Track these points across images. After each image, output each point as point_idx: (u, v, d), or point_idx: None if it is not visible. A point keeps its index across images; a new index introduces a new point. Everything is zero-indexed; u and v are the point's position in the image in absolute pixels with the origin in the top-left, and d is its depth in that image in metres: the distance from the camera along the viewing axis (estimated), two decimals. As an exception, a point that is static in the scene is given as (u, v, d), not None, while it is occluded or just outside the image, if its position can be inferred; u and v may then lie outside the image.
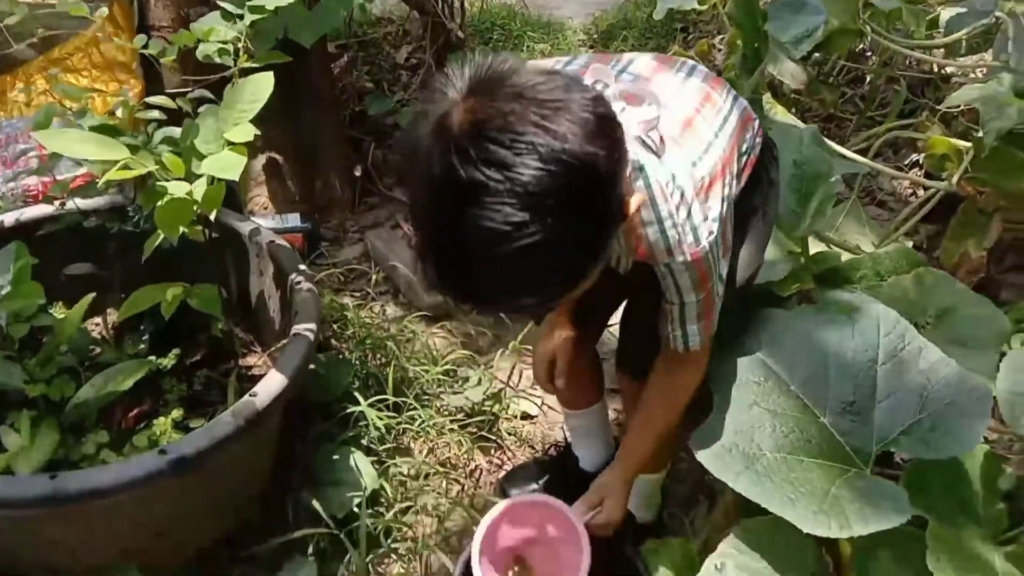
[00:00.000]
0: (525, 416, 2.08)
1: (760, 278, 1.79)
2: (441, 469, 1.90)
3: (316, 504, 1.65)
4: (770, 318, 1.45)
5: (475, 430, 1.98)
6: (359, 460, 1.75)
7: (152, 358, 1.77)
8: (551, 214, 0.90)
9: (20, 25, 1.76)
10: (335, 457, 1.77)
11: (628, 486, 1.43)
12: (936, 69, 3.00)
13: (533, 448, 1.99)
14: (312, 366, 1.88)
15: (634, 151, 1.08)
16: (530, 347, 2.20)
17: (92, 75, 2.34)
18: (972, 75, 2.79)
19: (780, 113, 2.32)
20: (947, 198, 2.33)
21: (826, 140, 2.00)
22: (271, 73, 1.46)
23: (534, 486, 1.83)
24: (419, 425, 1.96)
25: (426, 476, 1.88)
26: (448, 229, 0.92)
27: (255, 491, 1.71)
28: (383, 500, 1.80)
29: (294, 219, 2.43)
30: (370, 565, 1.68)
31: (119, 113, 1.51)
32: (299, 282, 1.73)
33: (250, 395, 1.47)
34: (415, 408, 1.97)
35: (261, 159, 2.52)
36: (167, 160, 1.33)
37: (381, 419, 1.90)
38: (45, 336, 1.67)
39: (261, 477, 1.73)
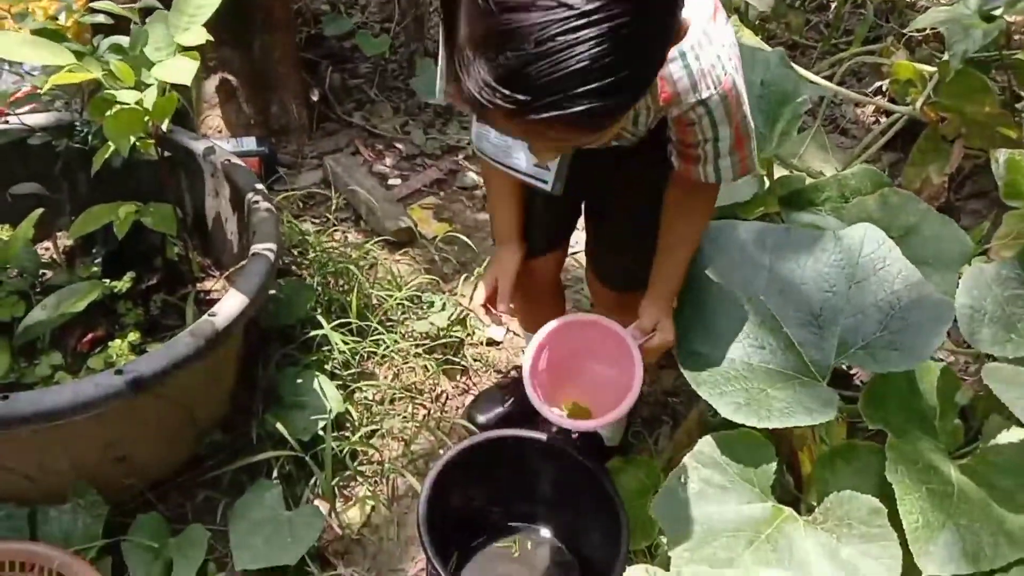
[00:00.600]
0: (491, 342, 2.07)
1: (725, 200, 1.79)
2: (407, 394, 1.89)
3: (280, 427, 1.64)
4: (736, 233, 1.45)
5: (440, 355, 1.97)
6: (323, 384, 1.73)
7: (106, 281, 1.71)
8: None
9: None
10: (299, 381, 1.74)
11: (671, 309, 1.38)
12: (902, -5, 2.99)
13: (499, 373, 1.99)
14: (272, 291, 1.85)
15: None
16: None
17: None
18: (937, 1, 2.77)
19: (747, 36, 2.28)
20: (909, 126, 2.34)
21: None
22: (222, -25, 1.38)
23: (499, 410, 1.83)
24: (384, 350, 1.94)
25: (391, 401, 1.87)
26: (516, 7, 0.78)
27: (217, 414, 1.68)
28: (348, 424, 1.79)
29: (249, 143, 2.35)
30: (336, 488, 1.68)
31: (62, 19, 1.43)
32: (256, 202, 1.68)
33: (209, 315, 1.43)
34: (380, 333, 1.95)
35: (214, 80, 2.43)
36: (116, 68, 1.26)
37: (346, 343, 1.88)
38: (-9, 258, 1.61)
39: (223, 400, 1.70)
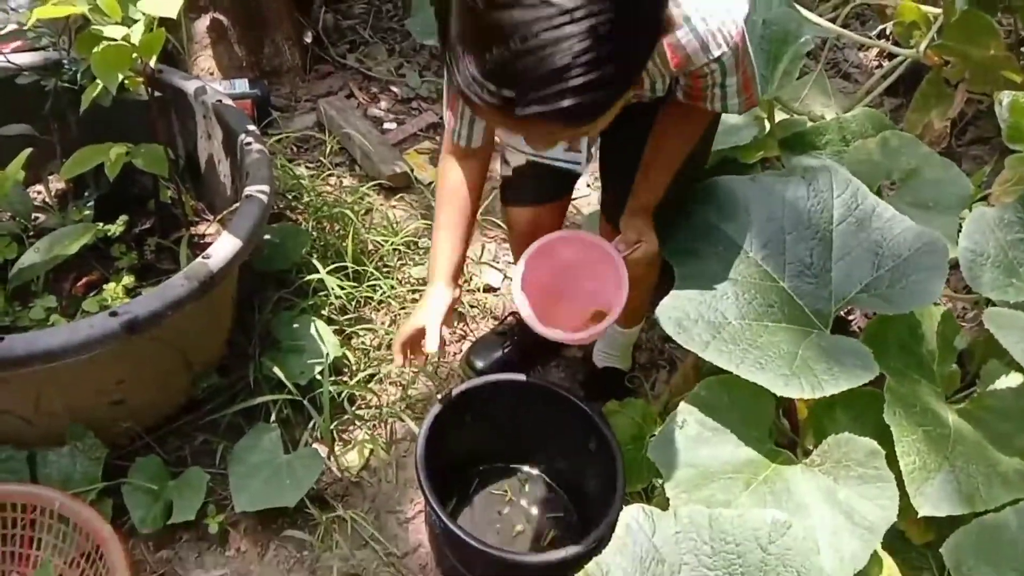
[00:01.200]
0: (487, 288, 2.06)
1: (725, 144, 1.77)
2: (403, 338, 1.88)
3: (277, 371, 1.64)
4: (725, 185, 1.42)
5: (436, 300, 1.96)
6: (320, 328, 1.73)
7: (99, 224, 1.69)
8: None
9: None
10: (295, 325, 1.74)
11: (651, 221, 1.35)
12: (908, -65, 2.91)
13: (496, 319, 1.98)
14: (267, 235, 1.83)
15: None
16: (492, 219, 2.17)
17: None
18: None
19: (750, -24, 2.24)
20: (912, 71, 2.30)
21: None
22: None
23: (497, 355, 1.83)
24: (381, 295, 1.93)
25: (389, 346, 1.86)
26: (501, 6, 0.80)
27: (214, 358, 1.68)
28: (346, 369, 1.79)
29: (242, 84, 2.31)
30: (335, 431, 1.68)
31: (46, -48, 1.38)
32: (249, 143, 1.65)
33: (203, 257, 1.42)
34: (376, 279, 1.94)
35: (205, 20, 2.37)
36: (102, 2, 1.23)
37: (342, 288, 1.87)
38: (-19, 200, 1.58)
39: (219, 344, 1.70)
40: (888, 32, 2.62)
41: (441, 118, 2.54)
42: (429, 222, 2.12)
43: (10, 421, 1.44)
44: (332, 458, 1.65)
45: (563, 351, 1.90)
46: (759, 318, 1.29)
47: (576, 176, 1.59)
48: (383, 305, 1.94)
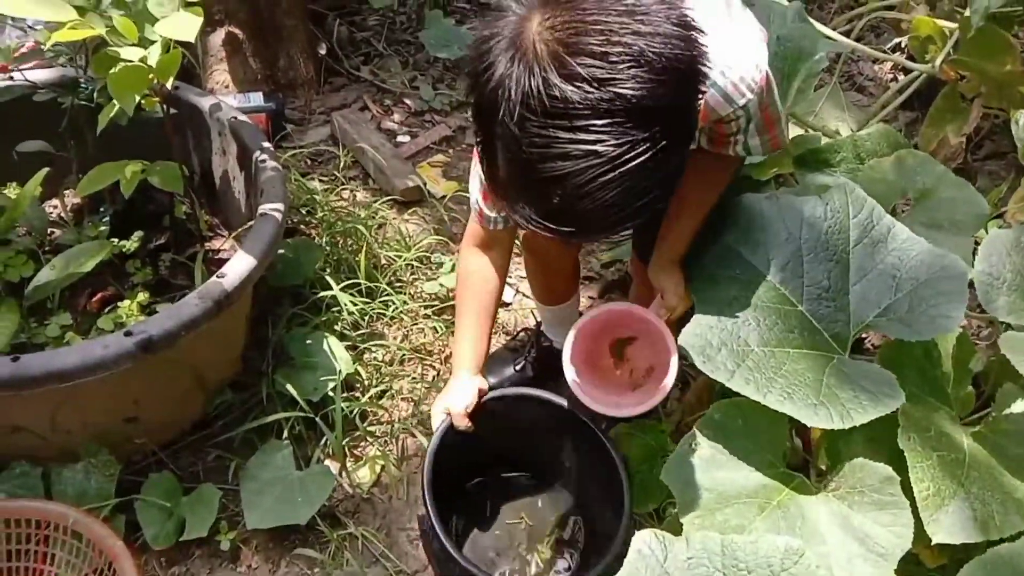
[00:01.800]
0: (500, 304, 2.06)
1: (739, 161, 1.76)
2: (416, 355, 1.89)
3: (290, 387, 1.64)
4: (741, 206, 1.41)
5: (450, 316, 1.96)
6: (332, 344, 1.73)
7: (114, 240, 1.70)
8: (659, 124, 0.85)
9: None
10: (308, 342, 1.74)
11: (680, 267, 1.38)
12: (923, -52, 2.90)
13: (507, 334, 1.98)
14: (281, 250, 1.84)
15: None
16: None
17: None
18: (960, -45, 2.69)
19: (764, -10, 2.23)
20: (927, 85, 2.29)
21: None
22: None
23: (509, 371, 1.83)
24: (393, 311, 1.94)
25: (401, 361, 1.87)
26: (550, 159, 0.85)
27: (227, 375, 1.69)
28: (358, 385, 1.79)
29: (257, 98, 2.32)
30: (346, 447, 1.69)
31: (64, -27, 1.39)
32: (264, 160, 1.66)
33: (217, 276, 1.43)
34: (389, 294, 1.95)
35: (220, 33, 2.38)
36: (119, 23, 1.24)
37: (355, 304, 1.87)
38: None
39: (233, 361, 1.70)
40: (903, 46, 2.61)
41: (454, 131, 2.56)
42: (441, 237, 2.13)
43: (25, 438, 1.45)
44: (344, 474, 1.65)
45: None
46: (780, 344, 1.28)
47: None
48: (395, 320, 1.94)
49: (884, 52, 2.57)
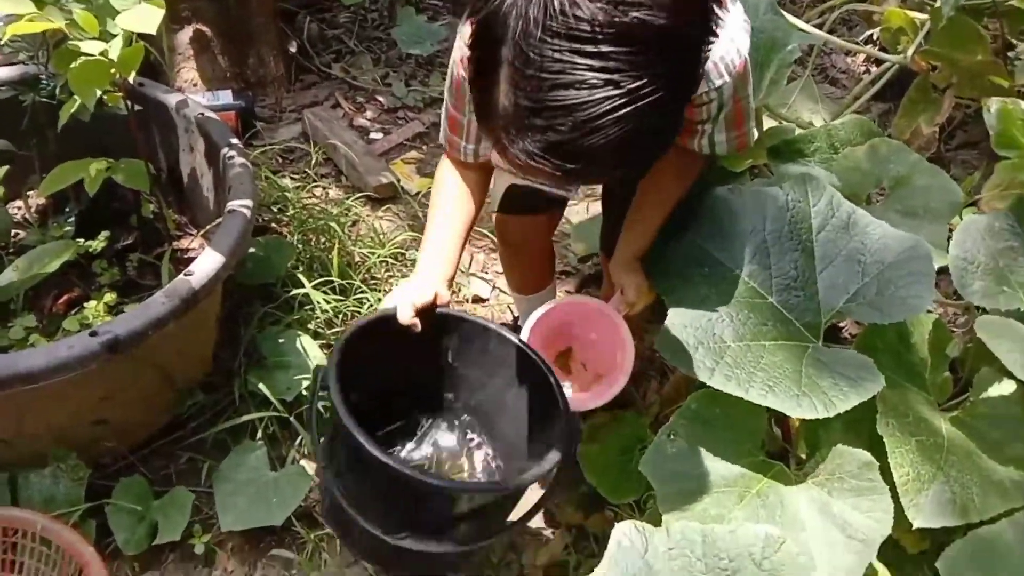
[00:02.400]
0: (476, 299, 2.05)
1: (713, 152, 1.75)
2: (391, 352, 1.86)
3: (263, 387, 1.61)
4: (705, 202, 1.40)
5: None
6: (306, 343, 1.71)
7: (80, 241, 1.67)
8: (678, 61, 0.83)
9: None
10: (281, 340, 1.72)
11: (641, 264, 1.35)
12: (893, -60, 2.92)
13: (484, 329, 1.96)
14: (252, 249, 1.81)
15: None
16: (481, 229, 2.15)
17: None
18: (929, -54, 2.71)
19: (736, -17, 2.23)
20: (900, 76, 2.30)
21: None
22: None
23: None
24: (368, 309, 1.91)
25: (376, 359, 1.84)
26: (563, 86, 0.80)
27: (198, 375, 1.65)
28: (332, 383, 1.76)
29: (226, 96, 2.29)
30: (321, 447, 1.66)
31: (21, -35, 1.36)
32: (232, 157, 1.63)
33: (185, 274, 1.40)
34: (363, 292, 1.92)
35: (188, 31, 2.35)
36: (79, 17, 1.20)
37: (328, 302, 1.85)
38: (-41, 217, 1.56)
39: (204, 361, 1.67)
40: (875, 38, 2.62)
41: (427, 127, 2.54)
42: (416, 233, 2.11)
43: (-10, 444, 1.42)
44: (319, 474, 1.63)
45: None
46: (756, 338, 1.27)
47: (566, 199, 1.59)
48: (370, 318, 1.92)
49: (856, 44, 2.58)
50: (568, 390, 1.28)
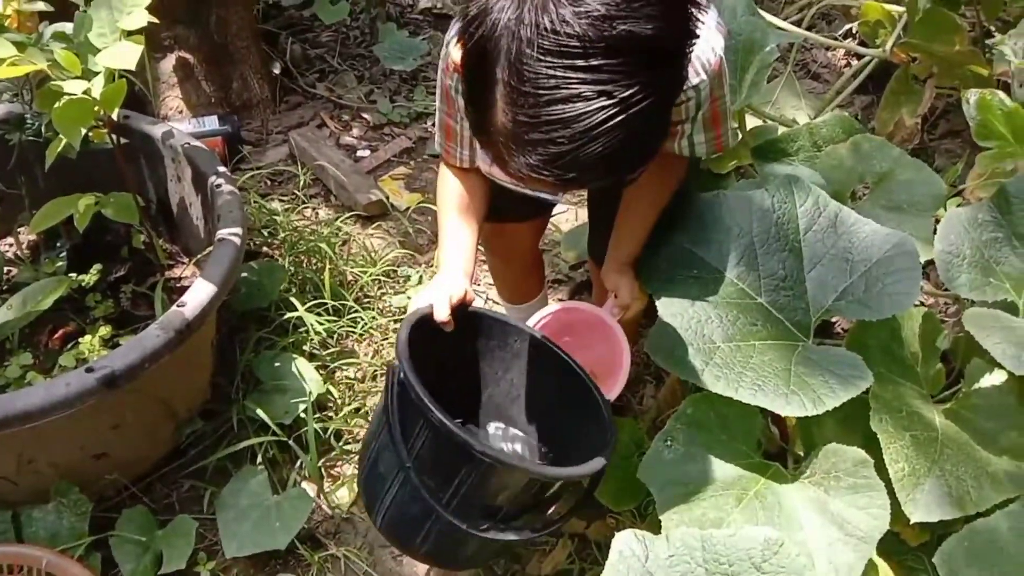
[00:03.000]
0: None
1: (698, 155, 1.76)
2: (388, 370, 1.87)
3: (261, 412, 1.62)
4: (691, 206, 1.41)
5: (419, 328, 1.95)
6: (301, 366, 1.71)
7: (72, 275, 1.68)
8: (665, 67, 0.86)
9: None
10: (277, 364, 1.72)
11: (632, 267, 1.36)
12: (867, -66, 2.93)
13: (479, 342, 1.97)
14: (244, 274, 1.82)
15: None
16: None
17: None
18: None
19: (713, -16, 2.24)
20: (881, 68, 2.31)
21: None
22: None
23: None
24: (362, 328, 1.92)
25: (373, 377, 1.85)
26: (560, 101, 0.83)
27: (196, 403, 1.66)
28: (331, 404, 1.77)
29: (212, 122, 2.30)
30: (323, 468, 1.67)
31: (1, 7, 1.37)
32: (219, 185, 1.64)
33: (178, 305, 1.40)
34: (356, 311, 1.93)
35: (170, 59, 2.36)
36: (60, 57, 1.21)
37: (321, 324, 1.85)
38: (-49, 258, 1.56)
39: (201, 389, 1.68)
40: (854, 32, 2.64)
41: (414, 142, 2.55)
42: (407, 250, 2.12)
43: (-8, 482, 1.42)
44: (322, 496, 1.63)
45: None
46: (745, 338, 1.28)
47: (552, 203, 1.59)
48: (365, 337, 1.93)
49: (836, 39, 2.60)
50: None
